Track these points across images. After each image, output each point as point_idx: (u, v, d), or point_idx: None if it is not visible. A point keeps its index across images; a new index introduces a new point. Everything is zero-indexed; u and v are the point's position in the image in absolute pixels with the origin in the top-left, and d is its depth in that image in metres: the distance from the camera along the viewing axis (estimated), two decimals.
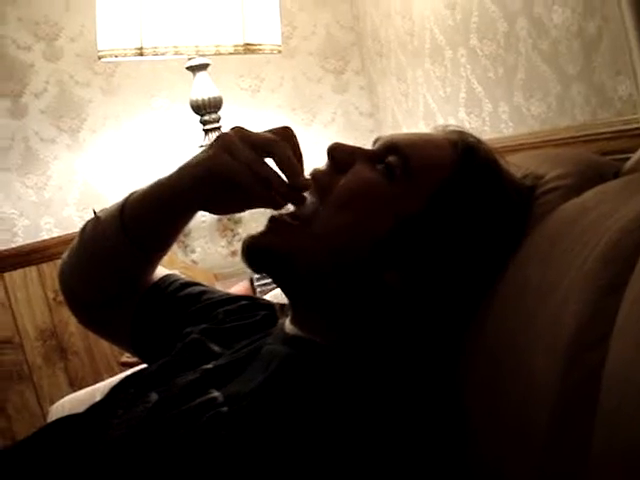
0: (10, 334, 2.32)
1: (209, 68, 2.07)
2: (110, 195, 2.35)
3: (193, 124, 2.15)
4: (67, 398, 1.73)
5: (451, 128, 0.88)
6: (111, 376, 1.89)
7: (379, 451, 0.69)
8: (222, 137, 0.83)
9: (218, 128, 2.07)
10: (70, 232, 2.27)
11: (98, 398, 0.97)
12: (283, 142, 0.81)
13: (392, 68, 2.34)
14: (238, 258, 0.88)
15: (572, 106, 1.44)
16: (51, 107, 2.35)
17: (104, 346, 2.33)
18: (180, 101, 2.33)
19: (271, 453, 0.68)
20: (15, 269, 2.32)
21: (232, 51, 1.93)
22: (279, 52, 2.07)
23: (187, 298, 1.07)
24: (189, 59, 2.03)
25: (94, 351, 2.38)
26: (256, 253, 0.83)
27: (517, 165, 0.89)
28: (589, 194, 0.77)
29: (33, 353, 2.35)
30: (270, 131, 0.84)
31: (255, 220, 1.99)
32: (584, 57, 1.37)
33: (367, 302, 0.80)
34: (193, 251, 2.06)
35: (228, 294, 1.10)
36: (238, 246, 1.93)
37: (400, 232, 0.79)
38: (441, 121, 2.04)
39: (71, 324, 2.31)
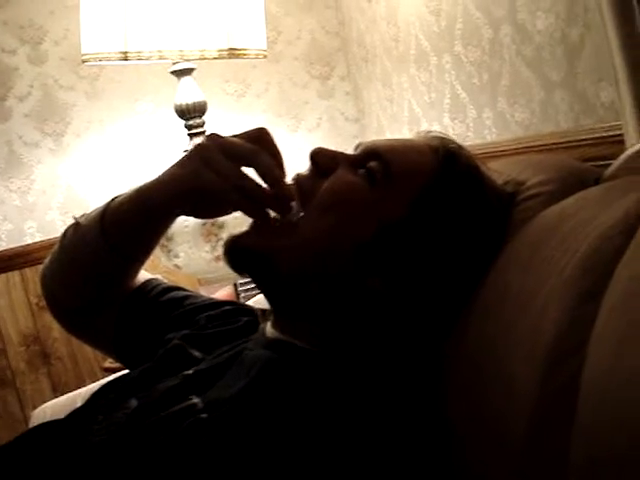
0: None
1: (195, 72, 2.07)
2: (94, 199, 2.35)
3: (178, 129, 2.15)
4: (49, 403, 1.72)
5: (433, 134, 0.88)
6: (94, 381, 1.88)
7: (361, 455, 0.69)
8: (200, 149, 0.82)
9: (202, 132, 2.07)
10: (53, 237, 2.24)
11: (79, 404, 0.97)
12: (263, 152, 0.80)
13: (377, 74, 2.35)
14: (222, 263, 0.88)
15: (556, 112, 1.45)
16: (35, 111, 2.34)
17: (87, 351, 2.32)
18: (165, 105, 2.33)
19: (251, 459, 0.68)
20: None
21: (217, 56, 1.93)
22: (264, 57, 2.07)
23: (169, 303, 1.06)
24: (174, 63, 2.03)
25: (77, 356, 2.37)
26: (237, 252, 0.83)
27: (499, 171, 0.89)
28: (569, 201, 0.77)
29: (16, 358, 2.34)
30: (246, 133, 0.83)
31: (239, 225, 1.98)
32: (567, 63, 1.38)
33: (349, 306, 0.80)
34: (177, 256, 2.05)
35: (211, 299, 1.10)
36: (222, 251, 1.92)
37: (382, 238, 0.79)
38: (426, 126, 2.05)
39: (54, 329, 2.30)
